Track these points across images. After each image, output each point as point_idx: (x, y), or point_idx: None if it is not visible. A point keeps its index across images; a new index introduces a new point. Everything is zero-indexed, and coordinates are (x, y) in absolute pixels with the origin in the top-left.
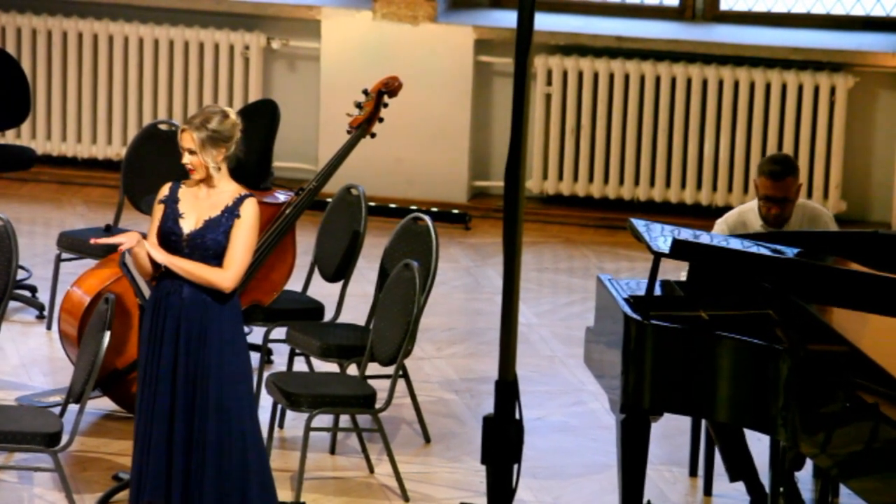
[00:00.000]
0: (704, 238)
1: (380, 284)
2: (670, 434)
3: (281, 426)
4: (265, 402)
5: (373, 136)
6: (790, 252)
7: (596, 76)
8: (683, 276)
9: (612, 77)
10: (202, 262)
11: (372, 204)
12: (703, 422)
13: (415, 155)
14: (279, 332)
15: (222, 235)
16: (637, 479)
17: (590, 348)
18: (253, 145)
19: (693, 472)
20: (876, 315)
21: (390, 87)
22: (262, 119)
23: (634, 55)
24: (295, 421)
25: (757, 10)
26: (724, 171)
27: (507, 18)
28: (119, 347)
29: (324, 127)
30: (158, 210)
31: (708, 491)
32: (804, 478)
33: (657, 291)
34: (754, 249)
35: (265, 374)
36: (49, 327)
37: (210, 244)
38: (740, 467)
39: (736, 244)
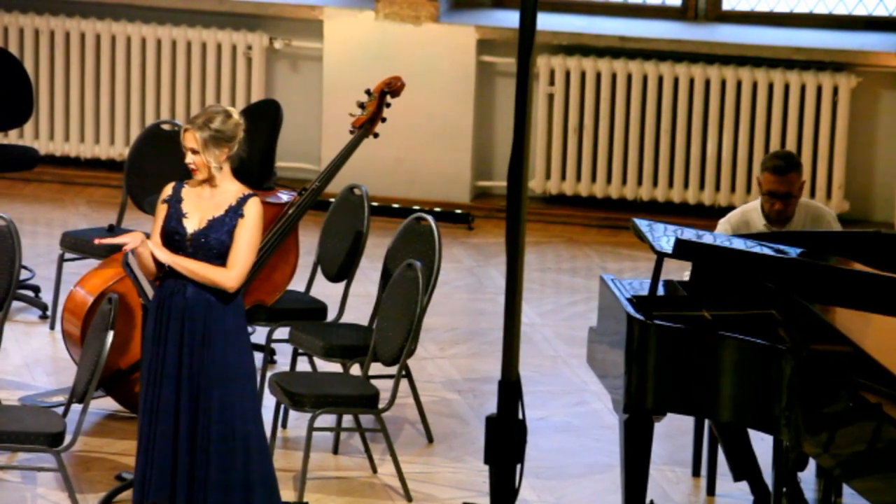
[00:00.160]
0: (707, 238)
1: (383, 284)
2: (673, 434)
3: (284, 426)
4: (268, 401)
5: (375, 136)
6: (793, 252)
7: (598, 76)
8: (686, 276)
9: (614, 77)
10: (206, 261)
11: (375, 204)
12: (706, 422)
13: (417, 155)
14: (282, 332)
15: (226, 235)
16: (640, 479)
17: (593, 348)
18: (255, 145)
19: (696, 472)
20: (879, 315)
21: (393, 87)
22: (264, 119)
23: (637, 55)
24: (298, 421)
25: (759, 10)
26: (726, 171)
27: (510, 18)
28: (122, 347)
29: (326, 127)
30: (162, 210)
31: (711, 491)
32: (807, 478)
33: (660, 291)
34: (757, 249)
35: (268, 374)
36: (52, 327)
37: (214, 244)
38: (744, 467)
39: (739, 244)
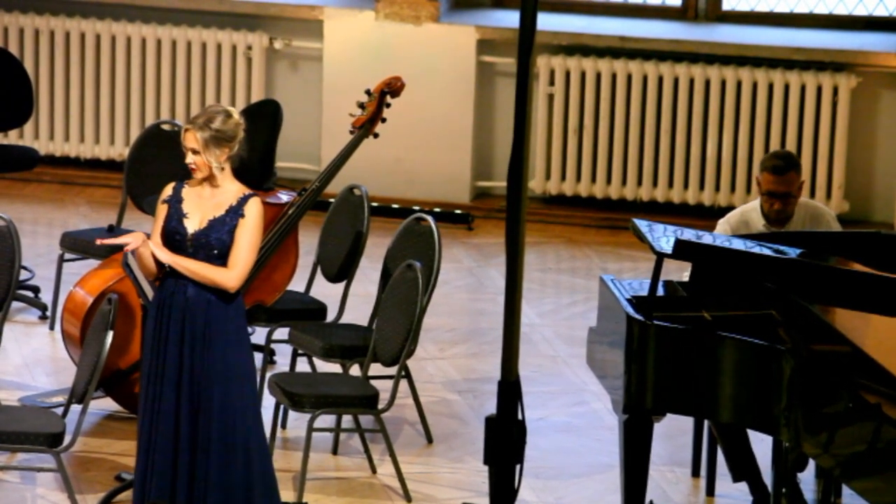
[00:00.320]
0: (707, 238)
1: (382, 285)
2: (673, 434)
3: (283, 426)
4: (268, 402)
5: (375, 136)
6: (793, 252)
7: (599, 76)
8: (685, 277)
9: (614, 77)
10: (206, 261)
11: (375, 204)
12: (706, 422)
13: (417, 155)
14: (282, 333)
15: (227, 235)
16: (639, 480)
17: (592, 348)
18: (255, 146)
19: (695, 473)
20: (878, 315)
21: (393, 88)
22: (264, 119)
23: (637, 55)
24: (297, 421)
25: (759, 10)
26: (726, 172)
27: (510, 18)
28: (122, 347)
29: (326, 127)
30: (162, 210)
31: (710, 491)
32: (807, 478)
33: (660, 292)
34: (757, 250)
35: (268, 375)
36: (52, 328)
37: (215, 243)
38: (743, 467)
39: (738, 244)
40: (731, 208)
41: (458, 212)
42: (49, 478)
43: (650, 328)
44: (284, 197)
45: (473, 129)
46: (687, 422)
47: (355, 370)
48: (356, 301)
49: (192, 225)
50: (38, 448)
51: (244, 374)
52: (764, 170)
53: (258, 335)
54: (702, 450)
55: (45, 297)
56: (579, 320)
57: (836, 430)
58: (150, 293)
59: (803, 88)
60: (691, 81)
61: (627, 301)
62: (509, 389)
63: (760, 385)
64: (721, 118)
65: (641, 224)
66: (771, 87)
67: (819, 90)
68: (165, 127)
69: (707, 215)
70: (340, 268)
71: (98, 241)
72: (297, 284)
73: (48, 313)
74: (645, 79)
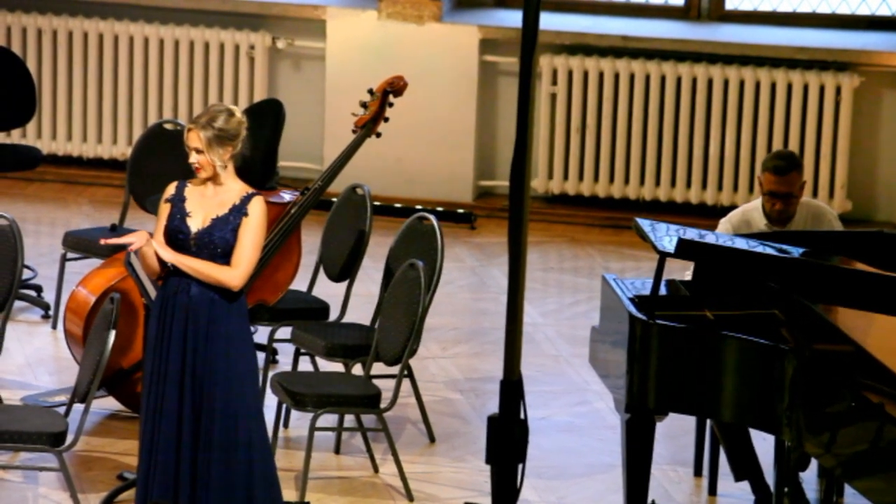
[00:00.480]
0: (710, 237)
1: (385, 284)
2: (675, 434)
3: (286, 426)
4: (270, 401)
5: (378, 135)
6: (795, 252)
7: (601, 76)
8: (688, 276)
9: (617, 76)
10: (210, 260)
11: (377, 203)
12: (708, 421)
13: (420, 154)
14: (284, 332)
15: (230, 234)
16: (642, 479)
17: (595, 348)
18: (258, 145)
19: (698, 472)
20: (881, 315)
21: (395, 87)
22: (267, 119)
23: (640, 55)
24: (300, 420)
25: (762, 10)
26: (729, 171)
27: (513, 18)
28: (124, 347)
29: (329, 126)
30: (165, 209)
31: (713, 491)
32: (809, 477)
33: (662, 291)
34: (759, 249)
35: (270, 374)
36: (54, 327)
37: (218, 242)
38: (745, 467)
39: (741, 244)
40: (733, 208)
41: (460, 211)
42: (51, 477)
43: (653, 327)
44: (287, 196)
45: (476, 128)
46: (689, 421)
47: (357, 369)
48: (358, 300)
49: (195, 224)
50: (40, 447)
51: (247, 373)
52: (765, 170)
53: (261, 334)
54: (704, 449)
55: (48, 296)
56: (582, 320)
57: (839, 429)
58: (152, 292)
59: (806, 88)
60: (694, 81)
61: (630, 300)
62: (511, 389)
63: (763, 384)
64: (724, 117)
65: (644, 223)
66: (774, 87)
67: (822, 90)
68: (168, 126)
69: (709, 215)
70: (343, 267)
71: (102, 241)
72: (299, 284)
73: (51, 312)
74: (647, 78)
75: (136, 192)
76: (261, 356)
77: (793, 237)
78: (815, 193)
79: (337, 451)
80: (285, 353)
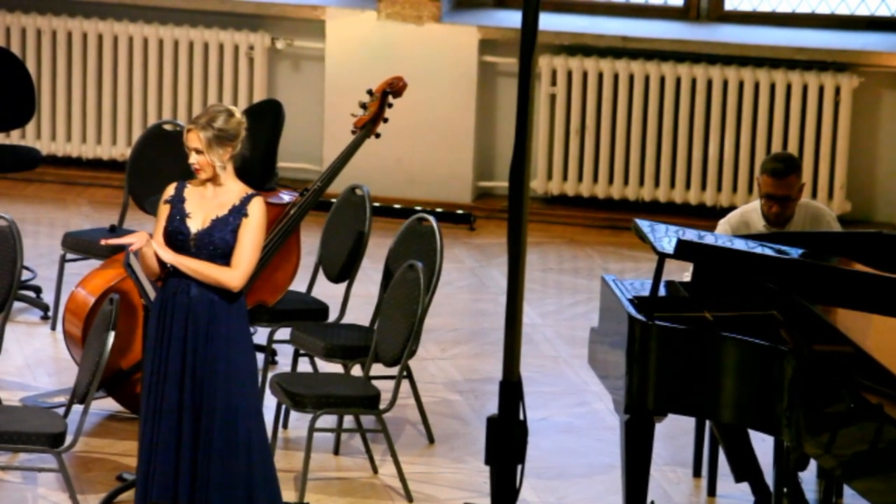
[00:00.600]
0: (709, 238)
1: (384, 285)
2: (674, 434)
3: (285, 427)
4: (269, 402)
5: (377, 136)
6: (794, 252)
7: (600, 76)
8: (687, 277)
9: (616, 77)
10: (209, 261)
11: (376, 204)
12: (707, 422)
13: (419, 155)
14: (283, 333)
15: (230, 234)
16: (641, 480)
17: (594, 349)
18: (257, 146)
19: (697, 473)
20: (880, 316)
21: (395, 88)
22: (266, 119)
23: (639, 55)
24: (299, 421)
25: (761, 10)
26: (728, 172)
27: (512, 18)
28: (123, 348)
29: (328, 127)
30: (164, 210)
31: (712, 491)
32: (808, 478)
33: (661, 292)
34: (758, 250)
35: (269, 375)
36: (53, 328)
37: (218, 243)
38: (745, 468)
39: (740, 245)
40: (732, 209)
41: (459, 212)
42: (50, 478)
43: (652, 328)
44: (286, 197)
45: (475, 129)
46: (688, 422)
47: (357, 370)
48: (358, 301)
49: (195, 225)
50: (39, 448)
51: (246, 373)
52: (763, 172)
53: (260, 335)
54: (703, 450)
55: (47, 297)
56: (581, 321)
57: (838, 430)
58: (151, 293)
59: (805, 88)
60: (693, 81)
61: (629, 301)
62: (511, 390)
63: (762, 385)
64: (723, 118)
65: (643, 224)
66: (773, 88)
67: (821, 90)
68: (167, 127)
69: (709, 216)
70: (342, 268)
71: (103, 242)
72: (298, 285)
73: (50, 314)
74: (647, 79)
75: (135, 193)
76: (260, 357)
77: (792, 238)
78: (814, 194)
79: (336, 451)
80: (284, 354)
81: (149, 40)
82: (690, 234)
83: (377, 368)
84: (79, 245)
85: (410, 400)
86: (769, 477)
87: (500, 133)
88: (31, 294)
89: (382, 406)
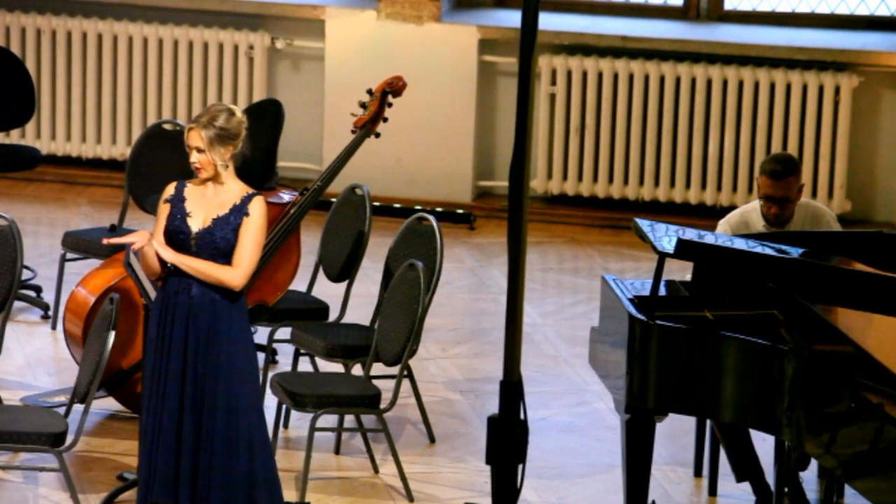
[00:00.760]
0: (709, 238)
1: (384, 284)
2: (675, 434)
3: (286, 426)
4: (270, 402)
5: (377, 135)
6: (795, 252)
7: (600, 76)
8: (688, 277)
9: (616, 77)
10: (210, 260)
11: (376, 204)
12: (708, 422)
13: (419, 155)
14: (284, 332)
15: (231, 234)
16: (642, 480)
17: (594, 348)
18: (257, 145)
19: (698, 473)
20: (880, 315)
21: (394, 87)
22: (266, 119)
23: (639, 55)
24: (299, 421)
25: (761, 10)
26: (728, 171)
27: (512, 18)
28: (124, 347)
29: (328, 127)
30: (164, 209)
31: (713, 491)
32: (809, 478)
33: (662, 291)
34: (759, 249)
35: (270, 374)
36: (54, 327)
37: (220, 242)
38: (746, 467)
39: (740, 244)
40: (732, 208)
41: (459, 211)
42: (51, 477)
43: (652, 328)
44: (286, 196)
45: (475, 128)
46: (689, 422)
47: (357, 370)
48: (358, 301)
49: (196, 224)
50: (40, 448)
51: (248, 372)
52: (762, 173)
53: (260, 335)
54: (704, 450)
55: (47, 296)
56: (581, 320)
57: (839, 429)
58: (152, 293)
59: (805, 88)
60: (693, 81)
61: (629, 301)
62: (511, 389)
63: (763, 385)
64: (723, 118)
65: (643, 224)
66: (773, 87)
67: (821, 90)
68: (167, 127)
69: (709, 215)
70: (342, 267)
71: (104, 241)
72: (299, 284)
73: (50, 313)
74: (647, 78)
75: (135, 193)
76: (260, 356)
77: (792, 238)
78: (814, 194)
79: (337, 451)
80: (285, 354)
81: (149, 40)
82: (690, 234)
83: (378, 368)
84: (79, 244)
85: (411, 399)
86: (770, 476)
87: (500, 132)
88: (32, 293)
89: (383, 405)
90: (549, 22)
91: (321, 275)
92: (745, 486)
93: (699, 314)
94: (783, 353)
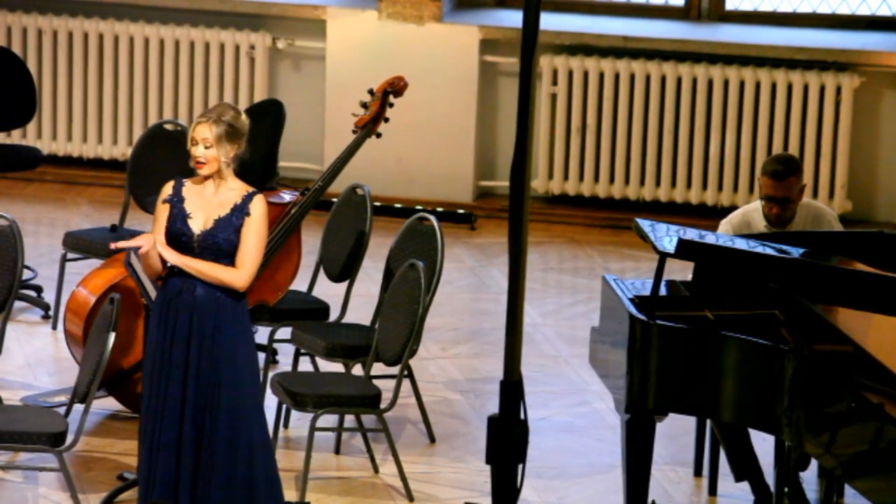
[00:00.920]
0: (710, 238)
1: (385, 284)
2: (675, 434)
3: (286, 426)
4: (270, 401)
5: (378, 135)
6: (795, 252)
7: (601, 76)
8: (690, 278)
9: (617, 77)
10: (214, 261)
11: (377, 204)
12: (708, 422)
13: (420, 155)
14: (284, 332)
15: (234, 234)
16: (642, 480)
17: (595, 348)
18: (258, 145)
19: (698, 472)
20: (881, 315)
21: (396, 87)
22: (267, 119)
23: (640, 55)
24: (300, 421)
25: (762, 10)
26: (729, 171)
27: (513, 18)
28: (124, 347)
29: (329, 127)
30: (163, 209)
31: (713, 491)
32: (809, 478)
33: (662, 291)
34: (759, 249)
35: (270, 374)
36: (54, 327)
37: (222, 243)
38: (745, 467)
39: (741, 244)
40: (733, 208)
41: (460, 211)
42: (51, 477)
43: (653, 328)
44: (287, 196)
45: (476, 128)
46: (689, 421)
47: (358, 370)
48: (359, 301)
49: (198, 225)
50: (40, 448)
51: (250, 373)
52: (764, 174)
53: (261, 335)
54: (704, 449)
55: (48, 296)
56: (581, 320)
57: (839, 429)
58: (152, 293)
59: (806, 88)
60: (694, 81)
61: (630, 301)
62: (511, 389)
63: (763, 385)
64: (724, 118)
65: (644, 224)
66: (774, 87)
67: (822, 90)
68: (168, 127)
69: (709, 215)
70: (343, 267)
71: (112, 245)
72: (299, 284)
73: (51, 313)
74: (648, 78)
75: (135, 193)
76: (261, 356)
77: (793, 238)
78: (815, 194)
79: (337, 451)
80: (285, 354)
81: (150, 40)
82: (691, 234)
83: (378, 368)
84: (79, 244)
85: (411, 399)
86: (770, 476)
87: (501, 133)
88: (32, 293)
89: (383, 405)
90: (550, 22)
91: (322, 275)
92: (745, 486)
93: (700, 314)
94: (783, 353)
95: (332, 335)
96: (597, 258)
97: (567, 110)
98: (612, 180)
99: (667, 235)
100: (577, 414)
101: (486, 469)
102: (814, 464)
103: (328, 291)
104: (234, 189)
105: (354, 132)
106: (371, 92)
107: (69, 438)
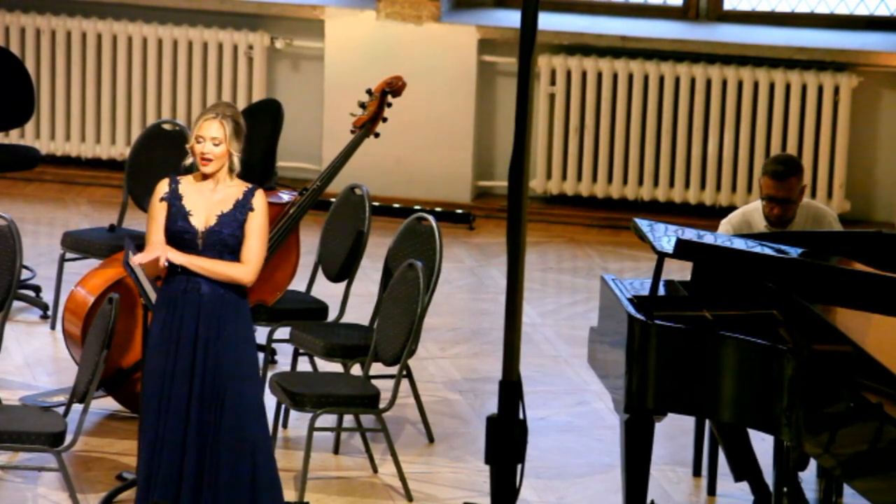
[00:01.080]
0: (708, 238)
1: (384, 284)
2: (674, 434)
3: (285, 426)
4: (269, 401)
5: (377, 135)
6: (794, 252)
7: (600, 76)
8: (689, 277)
9: (615, 77)
10: (217, 257)
11: (376, 204)
12: (707, 422)
13: (418, 155)
14: (283, 332)
15: (239, 230)
16: (641, 479)
17: (593, 348)
18: (257, 145)
19: (697, 472)
20: (880, 315)
21: (394, 87)
22: (265, 119)
23: (638, 55)
24: (299, 421)
25: (761, 10)
26: (727, 171)
27: (511, 18)
28: (123, 347)
29: (327, 127)
30: (161, 207)
31: (712, 491)
32: (808, 478)
33: (661, 291)
34: (758, 249)
35: (269, 374)
36: (53, 327)
37: (228, 240)
38: (744, 467)
39: (740, 244)
40: (732, 208)
41: (459, 211)
42: (50, 477)
43: (651, 328)
44: (285, 196)
45: (474, 128)
46: (688, 421)
47: (356, 370)
48: (357, 301)
49: (199, 222)
50: (39, 448)
51: (253, 372)
52: (765, 174)
53: (259, 334)
54: (703, 449)
55: (47, 296)
56: (580, 320)
57: (838, 429)
58: (152, 294)
59: (804, 88)
60: (692, 81)
61: (629, 301)
62: (510, 389)
63: (762, 385)
64: (722, 118)
65: (643, 224)
66: (772, 87)
67: (820, 90)
68: (167, 126)
69: (708, 215)
70: (341, 267)
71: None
72: (298, 284)
73: (49, 313)
74: (646, 78)
75: (134, 193)
76: (260, 356)
77: (792, 238)
78: (813, 193)
79: (336, 451)
80: (284, 354)
81: (148, 40)
82: (690, 234)
83: (377, 368)
84: (78, 244)
85: (410, 399)
86: (769, 476)
87: (500, 132)
88: (31, 293)
89: (382, 405)
90: (548, 22)
91: (320, 274)
92: (744, 486)
93: (698, 314)
94: (782, 353)
95: (330, 335)
96: (595, 258)
97: (565, 110)
98: (610, 180)
99: (665, 235)
100: (576, 414)
101: (485, 469)
102: (813, 463)
103: (327, 291)
104: (235, 185)
105: (353, 132)
106: (369, 92)
107: (68, 438)
